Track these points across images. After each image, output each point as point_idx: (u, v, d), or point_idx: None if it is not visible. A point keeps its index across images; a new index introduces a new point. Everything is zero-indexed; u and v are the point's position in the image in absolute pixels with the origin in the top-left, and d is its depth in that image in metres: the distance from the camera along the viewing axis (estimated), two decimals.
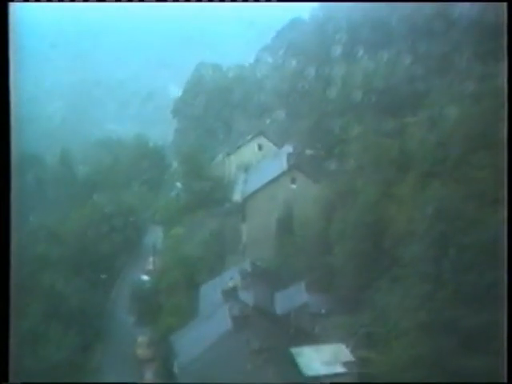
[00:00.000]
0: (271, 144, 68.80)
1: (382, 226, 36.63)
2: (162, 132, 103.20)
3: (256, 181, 58.87)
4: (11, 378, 18.84)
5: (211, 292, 46.11)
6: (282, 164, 57.25)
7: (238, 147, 71.25)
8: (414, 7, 54.59)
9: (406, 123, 46.46)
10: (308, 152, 59.45)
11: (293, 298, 43.39)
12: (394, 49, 56.12)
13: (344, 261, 39.84)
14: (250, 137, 71.06)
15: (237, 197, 59.96)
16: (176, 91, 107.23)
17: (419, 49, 55.16)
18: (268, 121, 77.17)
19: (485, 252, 28.43)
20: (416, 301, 29.30)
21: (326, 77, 62.27)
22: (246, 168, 65.26)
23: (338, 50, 66.12)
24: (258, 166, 65.10)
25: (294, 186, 55.39)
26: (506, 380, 20.92)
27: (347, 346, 36.67)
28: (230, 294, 41.91)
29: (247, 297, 42.24)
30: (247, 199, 56.91)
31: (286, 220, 52.30)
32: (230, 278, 46.02)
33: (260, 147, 69.43)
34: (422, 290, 28.92)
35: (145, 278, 59.92)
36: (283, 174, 56.01)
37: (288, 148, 61.18)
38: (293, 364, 36.08)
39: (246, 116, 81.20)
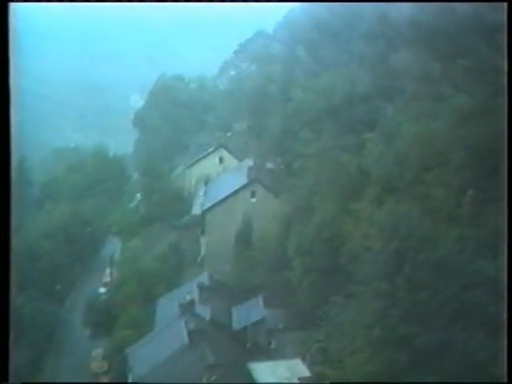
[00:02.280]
0: (232, 157, 68.88)
1: (338, 242, 36.76)
2: (123, 142, 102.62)
3: (216, 194, 58.77)
4: (11, 378, 19.03)
5: (168, 305, 45.86)
6: (242, 177, 57.26)
7: (199, 160, 71.18)
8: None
9: (364, 139, 46.84)
10: (268, 166, 59.62)
11: (250, 312, 43.33)
12: (355, 64, 56.60)
13: (301, 276, 39.88)
14: (210, 149, 71.06)
15: (196, 209, 59.81)
16: (138, 101, 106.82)
17: (379, 67, 55.76)
18: (229, 134, 77.30)
19: (439, 269, 28.78)
20: (370, 317, 29.42)
21: (287, 92, 62.56)
22: (206, 181, 65.17)
23: (299, 67, 66.62)
24: (219, 178, 65.07)
25: (253, 200, 55.43)
26: (506, 380, 21.08)
27: (303, 362, 36.65)
28: (187, 308, 41.71)
29: (204, 311, 42.11)
30: (206, 212, 56.75)
31: (245, 234, 52.26)
32: (187, 291, 45.83)
33: (221, 160, 69.47)
34: (376, 307, 29.06)
35: (101, 289, 59.31)
36: (243, 187, 56.04)
37: (249, 161, 61.28)
38: (249, 379, 35.91)
39: (207, 128, 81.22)
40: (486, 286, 28.11)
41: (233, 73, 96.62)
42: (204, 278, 48.97)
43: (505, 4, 22.47)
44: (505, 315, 20.91)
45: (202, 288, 45.54)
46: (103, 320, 51.89)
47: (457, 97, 38.68)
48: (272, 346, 40.21)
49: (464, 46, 38.64)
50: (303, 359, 36.79)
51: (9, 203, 18.86)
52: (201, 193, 62.86)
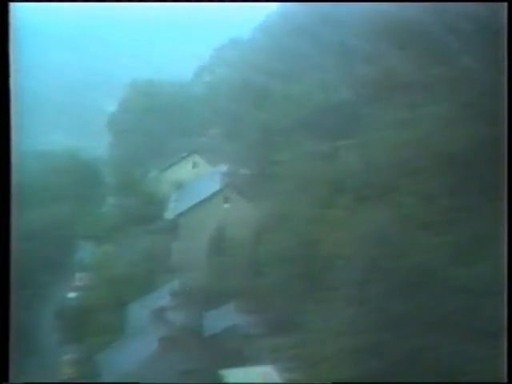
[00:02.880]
0: (206, 162, 68.66)
1: (311, 248, 36.83)
2: (96, 146, 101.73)
3: (189, 199, 58.51)
4: (11, 378, 19.01)
5: (139, 311, 45.46)
6: (215, 183, 57.09)
7: (172, 164, 70.82)
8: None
9: (339, 146, 47.05)
10: (242, 172, 59.53)
11: (222, 318, 43.08)
12: (331, 73, 56.92)
13: (274, 282, 39.83)
14: (184, 154, 70.77)
15: (169, 215, 59.46)
16: (111, 105, 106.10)
17: (355, 74, 56.11)
18: (203, 139, 77.09)
19: (411, 277, 28.91)
20: (342, 324, 29.48)
21: (261, 98, 62.66)
22: (179, 186, 64.81)
23: (275, 72, 66.74)
24: (192, 184, 64.78)
25: (227, 206, 55.28)
26: (506, 380, 21.13)
27: (275, 368, 36.54)
28: (158, 314, 41.43)
29: (176, 317, 41.80)
30: (179, 217, 56.48)
31: (218, 239, 52.07)
32: (159, 297, 45.53)
33: (194, 165, 69.21)
34: (348, 314, 29.13)
35: (71, 294, 58.59)
36: (216, 193, 55.86)
37: (222, 167, 61.12)
38: None
39: (181, 133, 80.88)
40: (459, 293, 28.30)
41: (208, 78, 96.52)
42: (176, 283, 48.62)
43: (505, 4, 22.56)
44: (505, 315, 21.00)
45: (173, 294, 45.23)
46: (73, 325, 51.20)
47: (431, 105, 39.03)
48: (244, 353, 40.03)
49: (441, 54, 39.03)
50: (275, 366, 36.70)
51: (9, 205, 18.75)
52: (174, 198, 62.59)
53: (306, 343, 34.34)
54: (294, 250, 38.57)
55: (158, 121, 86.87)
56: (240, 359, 39.36)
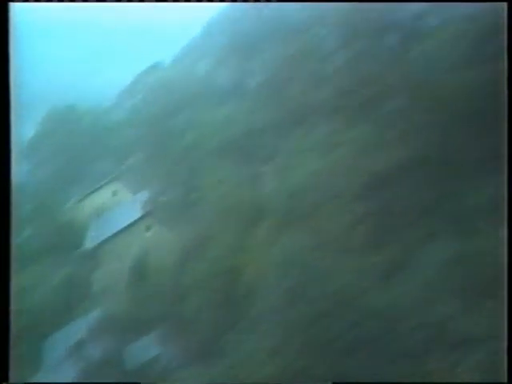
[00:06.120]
0: (126, 190, 67.45)
1: (233, 276, 36.40)
2: (13, 172, 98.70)
3: (109, 227, 57.34)
4: (11, 378, 17.86)
5: (57, 344, 44.15)
6: (136, 211, 56.18)
7: (92, 192, 69.32)
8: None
9: (261, 172, 46.94)
10: (163, 199, 58.68)
11: (144, 349, 42.05)
12: (249, 101, 57.06)
13: (196, 310, 39.13)
14: (104, 182, 69.42)
15: (89, 243, 58.08)
16: (29, 131, 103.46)
17: (276, 100, 56.36)
18: (124, 166, 75.84)
19: (332, 303, 28.74)
20: (266, 352, 29.04)
21: (183, 124, 62.24)
22: (99, 214, 63.51)
23: (198, 98, 66.49)
24: (112, 212, 63.53)
25: (148, 234, 54.40)
26: (506, 380, 20.92)
27: None
28: (77, 347, 40.16)
29: (95, 349, 40.60)
30: (99, 246, 55.25)
31: (140, 268, 51.02)
32: (78, 328, 44.23)
33: (114, 193, 67.90)
34: (270, 343, 28.73)
35: None
36: (137, 221, 54.97)
37: (144, 194, 60.15)
38: None
39: (101, 160, 79.41)
40: (379, 316, 28.28)
41: (128, 104, 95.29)
42: (96, 314, 47.32)
43: (505, 4, 22.72)
44: (505, 315, 20.94)
45: (93, 325, 43.96)
46: None
47: (353, 129, 39.39)
48: None
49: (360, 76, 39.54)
50: None
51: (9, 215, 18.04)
52: (94, 226, 61.23)
53: (229, 373, 33.71)
54: (216, 277, 38.04)
55: (76, 147, 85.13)
56: None
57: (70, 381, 36.86)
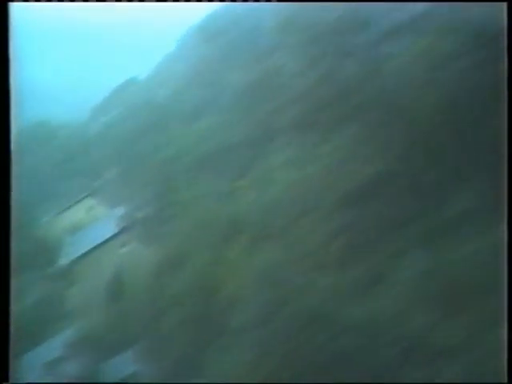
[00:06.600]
0: (101, 206, 66.96)
1: (211, 291, 36.29)
2: None
3: (84, 244, 56.82)
4: (11, 378, 18.37)
5: (32, 363, 43.47)
6: (112, 227, 55.80)
7: (66, 208, 68.67)
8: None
9: (237, 186, 46.97)
10: (139, 214, 58.39)
11: (121, 367, 41.71)
12: (224, 116, 57.18)
13: (174, 327, 38.91)
14: (79, 198, 68.83)
15: (63, 260, 57.51)
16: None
17: (252, 115, 56.50)
18: (99, 181, 75.35)
19: (310, 317, 28.77)
20: (244, 369, 28.96)
21: (158, 139, 62.15)
22: (74, 230, 62.94)
23: (174, 113, 66.47)
24: (87, 228, 63.00)
25: (124, 250, 54.03)
26: (506, 380, 20.91)
27: None
28: (52, 366, 39.71)
29: (71, 368, 40.19)
30: (74, 263, 54.73)
31: (116, 285, 50.61)
32: (53, 347, 43.73)
33: (90, 208, 67.36)
34: (249, 358, 28.66)
35: None
36: (113, 237, 54.58)
37: (119, 210, 59.78)
38: None
39: (76, 176, 78.82)
40: (357, 330, 28.35)
41: (103, 119, 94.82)
42: (72, 331, 46.82)
43: (505, 4, 22.78)
44: (505, 315, 21.00)
45: (68, 343, 43.52)
46: None
47: (329, 143, 39.55)
48: None
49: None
50: None
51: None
52: (68, 243, 60.65)
53: None
54: (193, 292, 37.89)
55: (51, 163, 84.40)
56: None
57: None
